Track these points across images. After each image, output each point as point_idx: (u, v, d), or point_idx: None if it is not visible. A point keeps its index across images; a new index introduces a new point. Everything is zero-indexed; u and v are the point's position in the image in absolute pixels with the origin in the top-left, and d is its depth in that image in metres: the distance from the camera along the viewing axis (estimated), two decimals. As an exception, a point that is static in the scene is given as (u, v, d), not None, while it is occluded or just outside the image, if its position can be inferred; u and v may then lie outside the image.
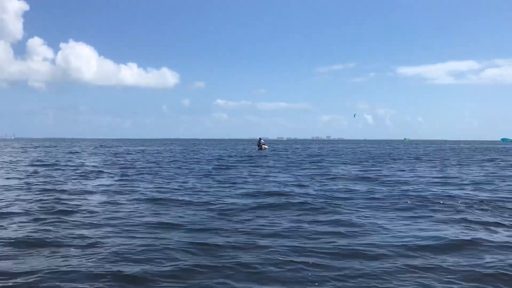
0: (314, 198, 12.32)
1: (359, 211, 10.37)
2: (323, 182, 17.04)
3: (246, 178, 18.45)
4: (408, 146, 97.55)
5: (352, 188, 14.79)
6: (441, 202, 11.54)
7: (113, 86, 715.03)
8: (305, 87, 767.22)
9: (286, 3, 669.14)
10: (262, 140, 58.91)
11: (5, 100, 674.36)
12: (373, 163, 29.46)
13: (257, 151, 52.37)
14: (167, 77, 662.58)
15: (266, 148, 57.47)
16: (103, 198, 12.27)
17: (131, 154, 43.19)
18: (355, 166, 26.20)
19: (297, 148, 71.07)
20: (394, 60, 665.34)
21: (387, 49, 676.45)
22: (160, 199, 12.07)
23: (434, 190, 14.35)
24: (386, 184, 16.30)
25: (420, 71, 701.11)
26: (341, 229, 8.34)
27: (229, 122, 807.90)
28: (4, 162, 28.60)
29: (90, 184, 15.60)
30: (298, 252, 6.71)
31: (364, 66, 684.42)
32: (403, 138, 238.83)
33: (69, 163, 27.19)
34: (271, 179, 18.01)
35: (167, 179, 17.76)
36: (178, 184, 15.87)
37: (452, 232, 8.18)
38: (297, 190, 14.23)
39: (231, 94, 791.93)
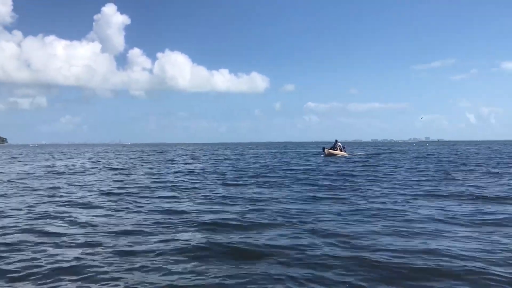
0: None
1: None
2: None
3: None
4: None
5: None
6: None
7: (206, 92, 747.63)
8: (401, 86, 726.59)
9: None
10: (339, 143, 42.57)
11: (110, 108, 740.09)
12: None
13: (324, 157, 39.71)
14: (257, 81, 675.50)
15: (338, 155, 40.68)
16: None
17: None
18: None
19: (403, 152, 62.43)
20: (497, 55, 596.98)
21: (489, 43, 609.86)
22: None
23: None
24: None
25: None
26: None
27: (320, 125, 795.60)
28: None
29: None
30: None
31: (464, 62, 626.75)
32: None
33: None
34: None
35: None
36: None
37: None
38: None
39: (321, 96, 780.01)
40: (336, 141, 42.61)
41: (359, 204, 11.29)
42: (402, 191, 13.90)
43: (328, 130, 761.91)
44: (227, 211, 10.30)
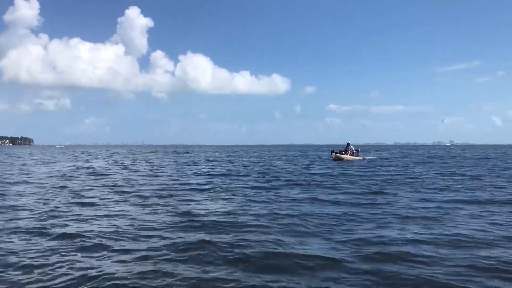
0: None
1: None
2: None
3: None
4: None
5: None
6: None
7: (227, 94, 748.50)
8: (424, 89, 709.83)
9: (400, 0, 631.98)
10: (352, 146, 38.89)
11: (133, 110, 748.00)
12: None
13: (332, 161, 37.41)
14: (278, 83, 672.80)
15: (347, 159, 37.30)
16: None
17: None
18: None
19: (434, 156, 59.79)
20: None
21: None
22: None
23: None
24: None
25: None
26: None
27: (342, 127, 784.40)
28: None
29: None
30: None
31: (490, 64, 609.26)
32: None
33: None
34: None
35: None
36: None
37: None
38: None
39: (343, 98, 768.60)
40: (348, 143, 38.84)
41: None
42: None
43: (350, 132, 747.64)
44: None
